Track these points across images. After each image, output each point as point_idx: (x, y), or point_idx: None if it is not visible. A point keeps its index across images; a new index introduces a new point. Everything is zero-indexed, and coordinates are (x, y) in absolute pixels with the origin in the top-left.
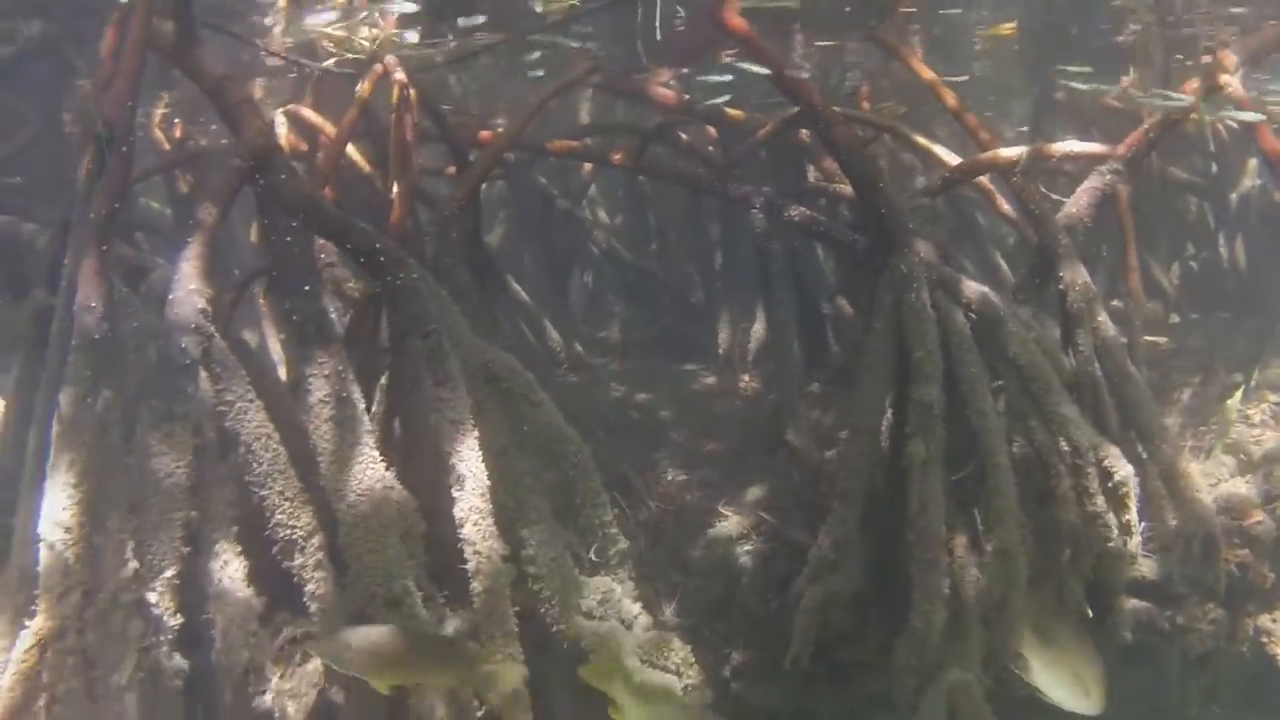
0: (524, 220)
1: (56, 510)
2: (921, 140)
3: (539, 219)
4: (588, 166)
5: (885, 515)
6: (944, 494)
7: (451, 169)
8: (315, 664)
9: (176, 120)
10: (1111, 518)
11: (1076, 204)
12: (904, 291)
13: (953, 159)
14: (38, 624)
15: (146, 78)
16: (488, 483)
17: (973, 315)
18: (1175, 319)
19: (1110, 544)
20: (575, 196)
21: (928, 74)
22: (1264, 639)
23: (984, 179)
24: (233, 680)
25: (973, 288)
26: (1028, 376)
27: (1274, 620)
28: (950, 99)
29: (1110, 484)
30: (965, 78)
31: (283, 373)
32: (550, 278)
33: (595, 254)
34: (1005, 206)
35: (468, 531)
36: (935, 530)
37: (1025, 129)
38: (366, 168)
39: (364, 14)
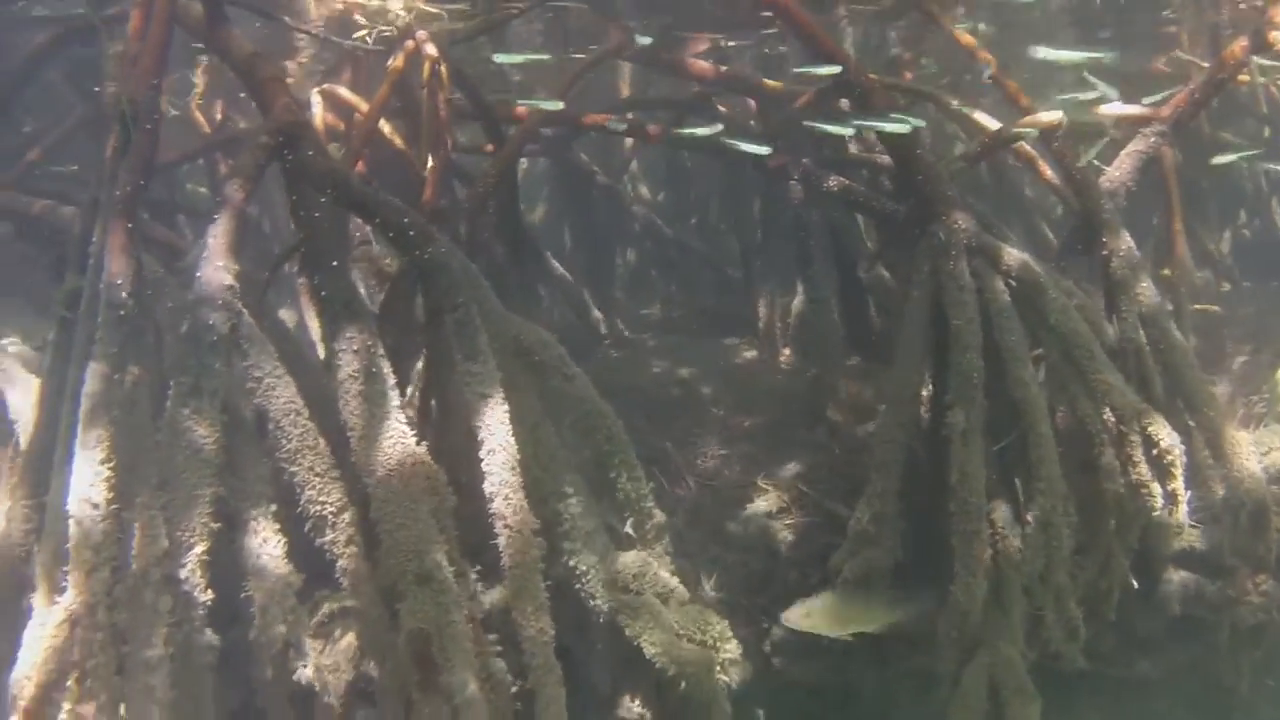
0: (565, 197)
1: (84, 486)
2: (960, 106)
3: (580, 196)
4: (629, 142)
5: (926, 487)
6: (985, 464)
7: (490, 147)
8: (351, 639)
9: (218, 102)
10: (1157, 487)
11: (1120, 168)
12: (942, 260)
13: (993, 124)
14: (68, 600)
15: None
16: (518, 456)
17: (1013, 282)
18: (1227, 287)
19: (1156, 514)
20: (616, 173)
21: (967, 39)
22: None
23: (1026, 145)
24: (271, 656)
25: (1013, 255)
26: (1070, 344)
27: None
28: (991, 64)
29: (1156, 453)
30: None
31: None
32: (591, 254)
33: (636, 230)
34: (1049, 173)
35: (498, 505)
36: (976, 501)
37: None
38: (401, 145)
39: None
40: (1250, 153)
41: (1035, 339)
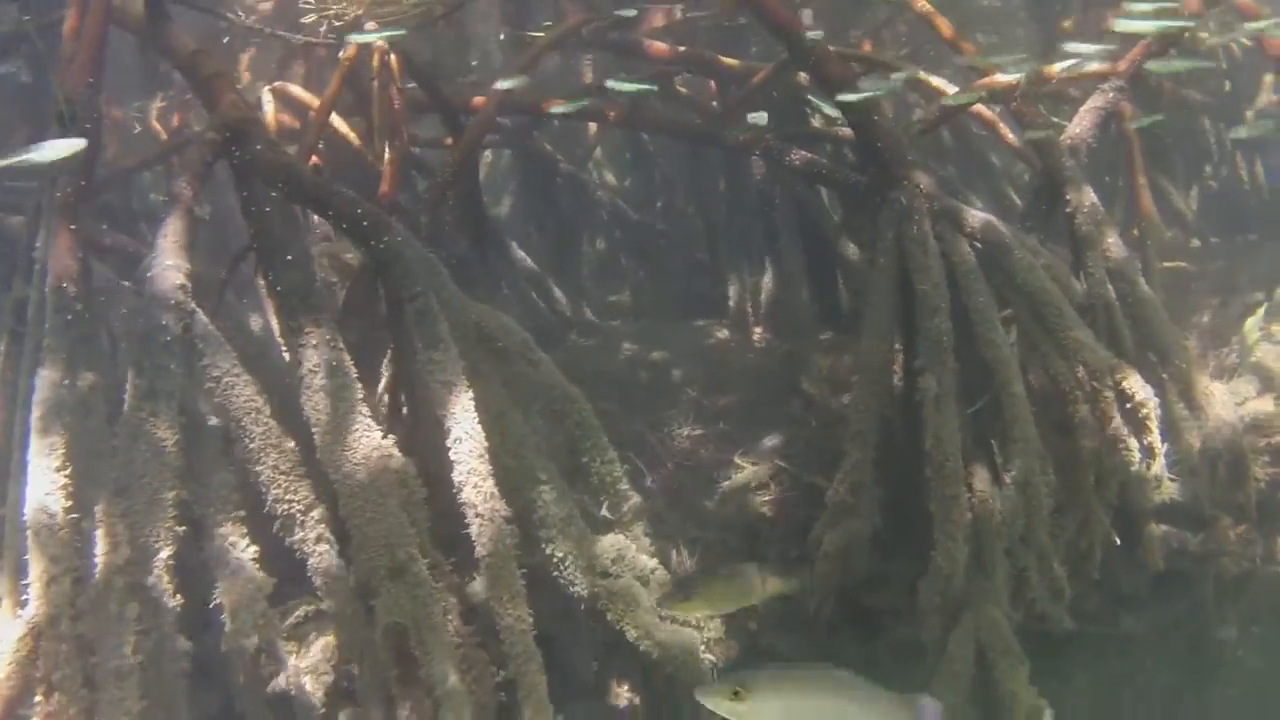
0: (530, 188)
1: (40, 495)
2: (916, 72)
3: (544, 185)
4: (593, 129)
5: (903, 455)
6: (960, 428)
7: (449, 139)
8: (328, 640)
9: (175, 113)
10: (1134, 442)
11: (1079, 124)
12: (905, 224)
13: (950, 89)
14: (29, 612)
15: (145, 77)
16: (486, 444)
17: (978, 244)
18: (1195, 243)
19: (1134, 469)
20: (580, 160)
21: (921, 4)
22: None
23: (986, 109)
24: (244, 663)
25: (976, 216)
26: (1038, 302)
27: None
28: (946, 29)
29: (1130, 407)
30: None
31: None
32: (558, 243)
33: (603, 217)
34: (1010, 137)
35: (468, 494)
36: (953, 465)
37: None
38: (355, 140)
39: None
40: (1155, 119)
41: (1003, 300)
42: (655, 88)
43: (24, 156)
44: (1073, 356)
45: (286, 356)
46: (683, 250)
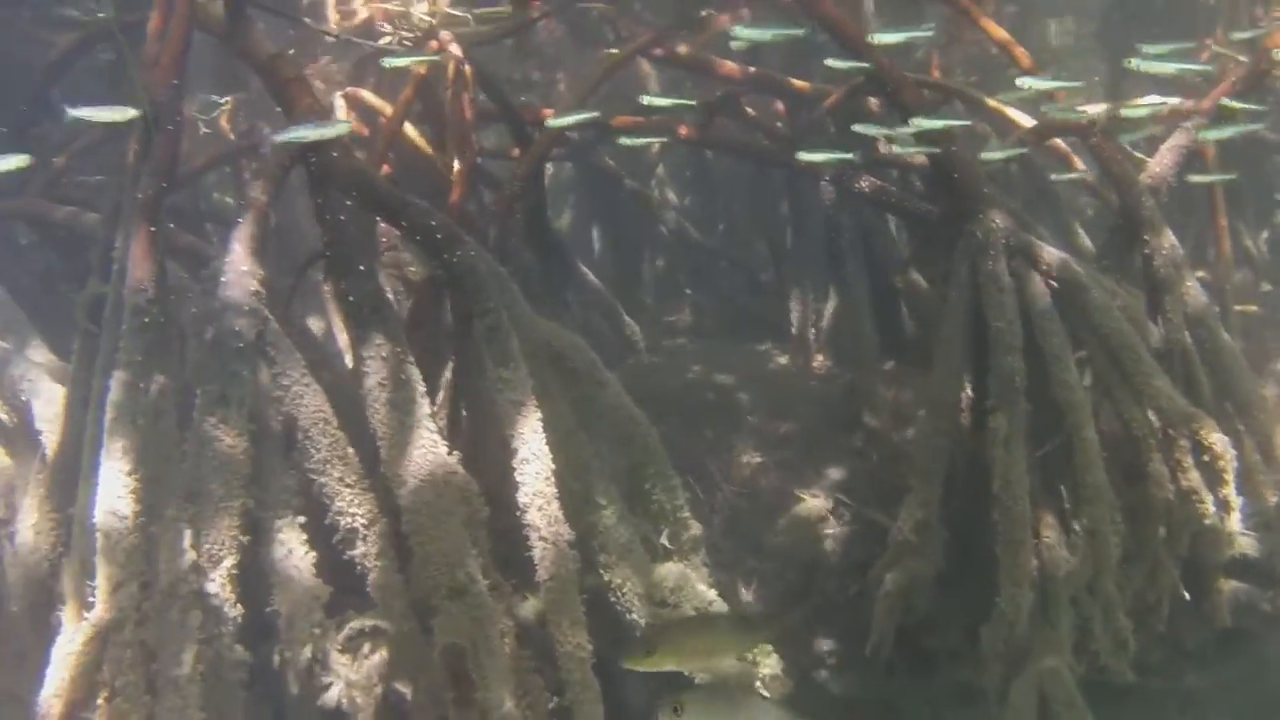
0: (592, 202)
1: (110, 498)
2: (993, 103)
3: (607, 201)
4: (655, 146)
5: (967, 495)
6: (1029, 471)
7: (516, 151)
8: (382, 656)
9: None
10: (1208, 494)
11: (1160, 163)
12: (980, 260)
13: (1028, 121)
14: (95, 615)
15: (217, 76)
16: (553, 466)
17: (1054, 283)
18: (1267, 287)
19: (1207, 522)
20: (643, 177)
21: (1000, 34)
22: None
23: (1061, 142)
24: (298, 673)
25: (1053, 254)
26: (1114, 346)
27: None
28: (1024, 59)
29: (1206, 458)
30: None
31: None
32: (620, 260)
33: (664, 235)
34: (1081, 166)
35: (532, 517)
36: (1020, 509)
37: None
38: (427, 150)
39: None
40: (1015, 151)
41: (1078, 341)
42: (694, 103)
43: None
44: (1148, 402)
45: (349, 363)
46: (744, 271)
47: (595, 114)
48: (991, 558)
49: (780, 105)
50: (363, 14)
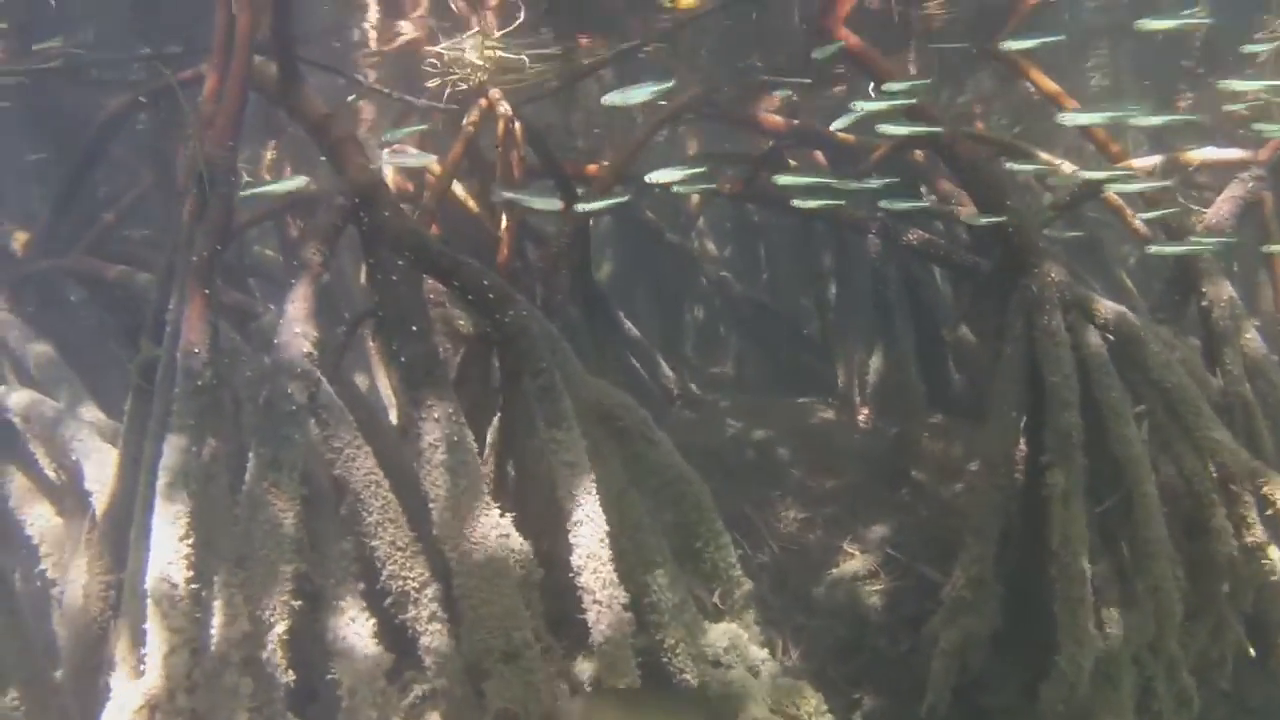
0: (632, 255)
1: (163, 564)
2: (1046, 156)
3: (647, 253)
4: (695, 198)
5: (1022, 550)
6: (1087, 527)
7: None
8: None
9: (286, 166)
10: (1275, 550)
11: (1217, 214)
12: (1035, 313)
13: (1077, 172)
14: (146, 683)
15: (254, 124)
16: (606, 528)
17: (1110, 336)
18: None
19: (1273, 578)
20: (683, 229)
21: (1050, 86)
22: None
23: (1113, 194)
24: None
25: (1109, 307)
26: (1173, 399)
27: None
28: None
29: (1270, 513)
30: None
31: (393, 416)
32: (660, 312)
33: (705, 286)
34: (1136, 222)
35: (586, 579)
36: (1079, 566)
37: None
38: (473, 205)
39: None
40: (920, 204)
41: (1136, 394)
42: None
43: None
44: (1209, 456)
45: (393, 418)
46: (787, 324)
47: (625, 198)
48: (1047, 614)
49: (821, 157)
50: (406, 36)
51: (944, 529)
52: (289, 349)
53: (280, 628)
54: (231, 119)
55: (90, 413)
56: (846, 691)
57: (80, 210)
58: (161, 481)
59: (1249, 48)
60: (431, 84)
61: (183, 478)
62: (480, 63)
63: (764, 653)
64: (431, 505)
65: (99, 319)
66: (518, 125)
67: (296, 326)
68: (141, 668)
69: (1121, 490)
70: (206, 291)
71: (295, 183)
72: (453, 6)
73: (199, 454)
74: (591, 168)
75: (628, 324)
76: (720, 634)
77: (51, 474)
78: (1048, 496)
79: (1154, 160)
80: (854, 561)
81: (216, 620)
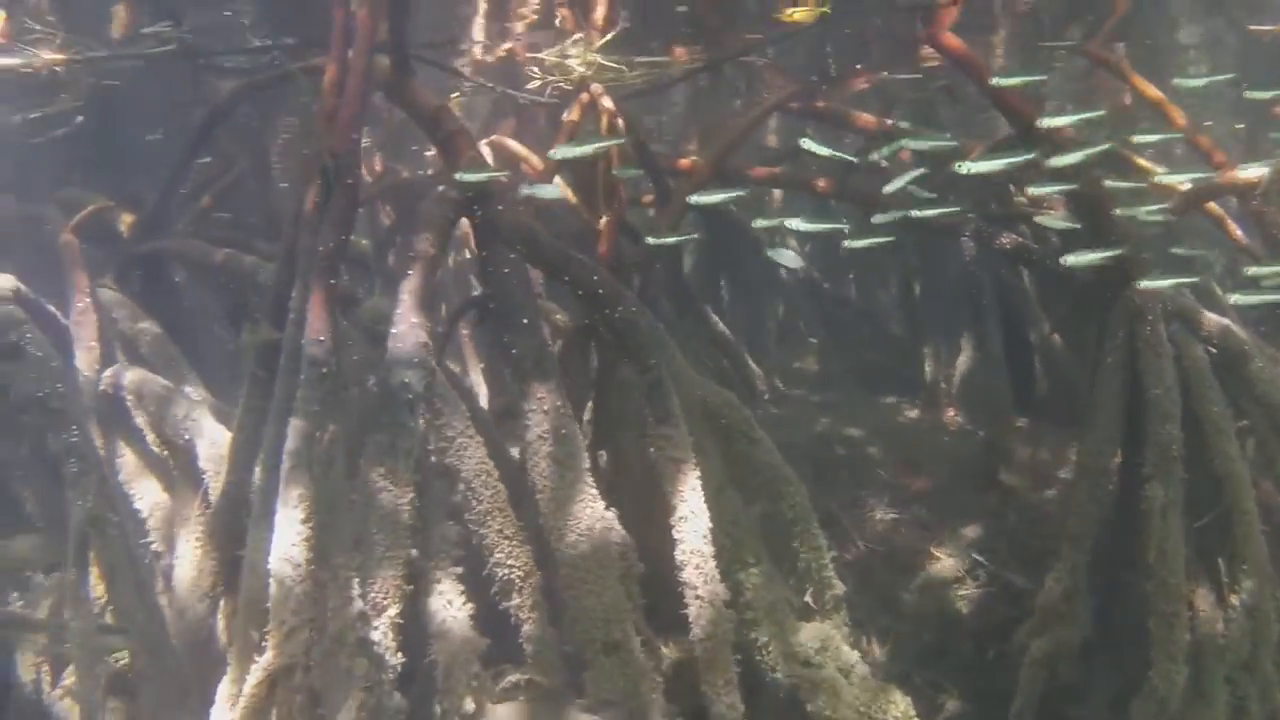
0: (715, 250)
1: (285, 545)
2: (1145, 164)
3: (730, 248)
4: (777, 193)
5: (1113, 562)
6: (1185, 542)
7: (647, 198)
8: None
9: (377, 154)
10: None
11: None
12: (1139, 324)
13: (1181, 184)
14: (267, 660)
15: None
16: (710, 524)
17: (1213, 349)
18: None
19: None
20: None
21: (1152, 91)
22: None
23: (1214, 205)
24: None
25: (1213, 320)
26: (1278, 416)
27: None
28: (1178, 118)
29: None
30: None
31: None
32: (744, 307)
33: (788, 282)
34: (1238, 233)
35: (689, 575)
36: (1176, 581)
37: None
38: (571, 198)
39: (575, 37)
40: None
41: (1239, 410)
42: (855, 160)
43: None
44: None
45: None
46: (871, 322)
47: (740, 191)
48: (1139, 628)
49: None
50: (512, 43)
51: (1033, 536)
52: (406, 339)
53: (392, 610)
54: (354, 112)
55: (197, 392)
56: (930, 695)
57: (186, 194)
58: (285, 465)
59: None
60: (532, 85)
61: (305, 462)
62: (582, 68)
63: (855, 654)
64: (538, 496)
65: (200, 300)
66: (621, 121)
67: (413, 317)
68: (262, 644)
69: (1221, 506)
70: (332, 281)
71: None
72: (556, 18)
73: (320, 440)
74: (685, 162)
75: (715, 319)
76: (812, 634)
77: (158, 451)
78: (1146, 510)
79: (1261, 171)
80: (941, 565)
81: (333, 601)
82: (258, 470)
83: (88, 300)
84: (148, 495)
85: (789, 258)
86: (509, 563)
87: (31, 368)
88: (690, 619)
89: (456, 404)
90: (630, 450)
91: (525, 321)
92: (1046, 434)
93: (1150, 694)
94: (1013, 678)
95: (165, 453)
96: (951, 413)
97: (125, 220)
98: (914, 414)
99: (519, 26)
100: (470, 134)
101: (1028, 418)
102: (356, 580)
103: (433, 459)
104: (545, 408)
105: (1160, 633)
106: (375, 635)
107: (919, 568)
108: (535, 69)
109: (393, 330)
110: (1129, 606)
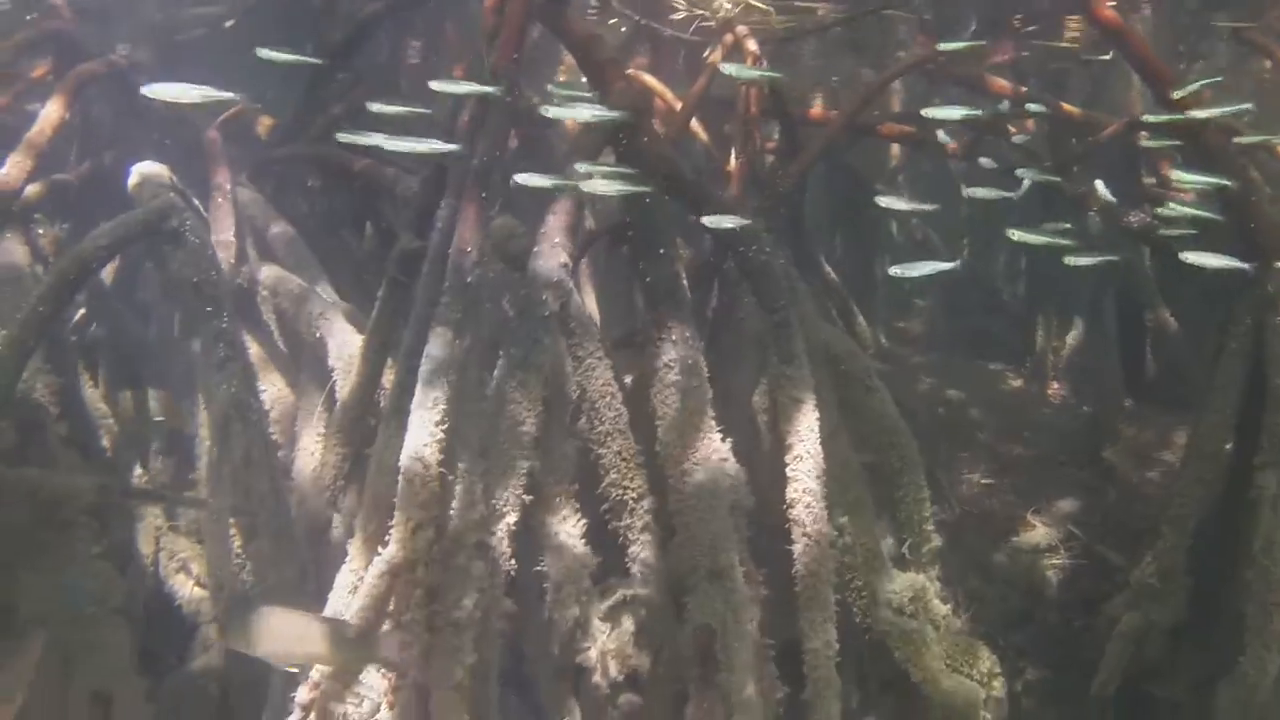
0: (832, 203)
1: (418, 444)
2: None
3: (849, 203)
4: (896, 150)
5: (1212, 547)
6: None
7: (772, 144)
8: (631, 626)
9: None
10: None
11: None
12: (1267, 313)
13: None
14: (390, 553)
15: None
16: (823, 465)
17: None
18: None
19: None
20: (886, 182)
21: None
22: None
23: None
24: (560, 634)
25: None
26: None
27: None
28: None
29: None
30: None
31: None
32: (855, 263)
33: (900, 242)
34: None
35: (798, 513)
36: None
37: None
38: (704, 138)
39: None
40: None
41: None
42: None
43: None
44: None
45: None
46: (982, 288)
47: None
48: (1232, 614)
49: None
50: None
51: (1131, 515)
52: (549, 258)
53: (511, 518)
54: (515, 34)
55: (327, 292)
56: (1013, 660)
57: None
58: (424, 369)
59: None
60: (677, 16)
61: (444, 368)
62: (729, 5)
63: (946, 608)
64: (658, 423)
65: (329, 206)
66: (764, 64)
67: (555, 238)
68: (386, 537)
69: None
70: (484, 195)
71: None
72: None
73: (459, 346)
74: (814, 112)
75: (830, 271)
76: (905, 584)
77: (282, 348)
78: (1256, 499)
79: None
80: (1035, 533)
81: (457, 503)
82: (390, 372)
83: (228, 196)
84: (271, 389)
85: (897, 203)
86: (624, 484)
87: (189, 254)
88: (795, 555)
89: (589, 326)
90: (742, 388)
91: (663, 251)
92: (1153, 416)
93: (1240, 679)
94: (1096, 651)
95: (289, 350)
96: (1056, 386)
97: (264, 124)
98: (1018, 383)
99: None
100: (620, 63)
101: (1135, 399)
102: (480, 486)
103: (565, 378)
104: (675, 337)
105: (1257, 620)
106: (493, 540)
107: (1012, 533)
108: (681, 1)
109: (535, 248)
110: (1223, 594)
